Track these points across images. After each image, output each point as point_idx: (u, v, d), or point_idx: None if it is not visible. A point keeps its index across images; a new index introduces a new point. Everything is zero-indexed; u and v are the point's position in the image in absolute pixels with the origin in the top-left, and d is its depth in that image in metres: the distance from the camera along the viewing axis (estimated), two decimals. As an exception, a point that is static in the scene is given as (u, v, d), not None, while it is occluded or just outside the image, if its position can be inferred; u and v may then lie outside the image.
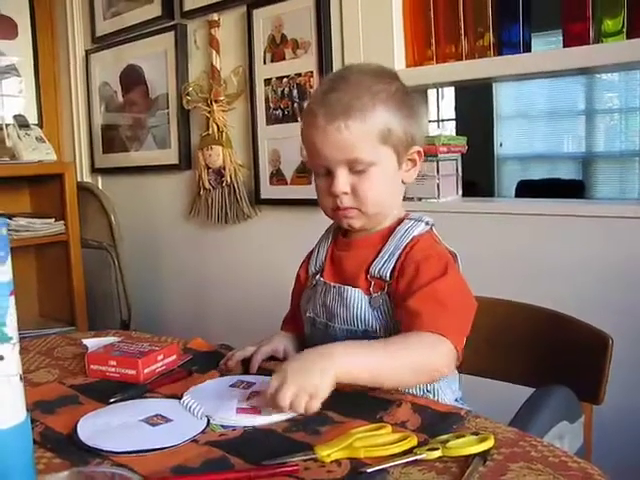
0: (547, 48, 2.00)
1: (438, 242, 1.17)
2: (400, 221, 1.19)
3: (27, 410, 0.71)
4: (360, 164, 1.10)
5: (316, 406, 0.90)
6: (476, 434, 0.84)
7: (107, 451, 0.85)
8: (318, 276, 1.24)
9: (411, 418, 0.92)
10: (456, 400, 1.20)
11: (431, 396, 1.15)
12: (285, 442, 0.87)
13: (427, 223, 1.18)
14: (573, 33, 1.66)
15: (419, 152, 1.19)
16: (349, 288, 1.16)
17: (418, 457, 0.79)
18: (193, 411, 0.96)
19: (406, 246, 1.14)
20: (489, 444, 0.80)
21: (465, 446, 0.80)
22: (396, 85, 1.16)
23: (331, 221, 1.28)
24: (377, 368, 0.98)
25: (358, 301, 1.15)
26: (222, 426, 0.92)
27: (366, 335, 1.12)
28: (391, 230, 1.17)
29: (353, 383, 0.97)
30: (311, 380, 0.90)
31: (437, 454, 0.80)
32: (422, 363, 1.01)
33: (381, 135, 1.11)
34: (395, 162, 1.15)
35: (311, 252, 1.31)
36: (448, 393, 1.18)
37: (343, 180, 1.12)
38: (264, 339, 1.28)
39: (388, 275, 1.13)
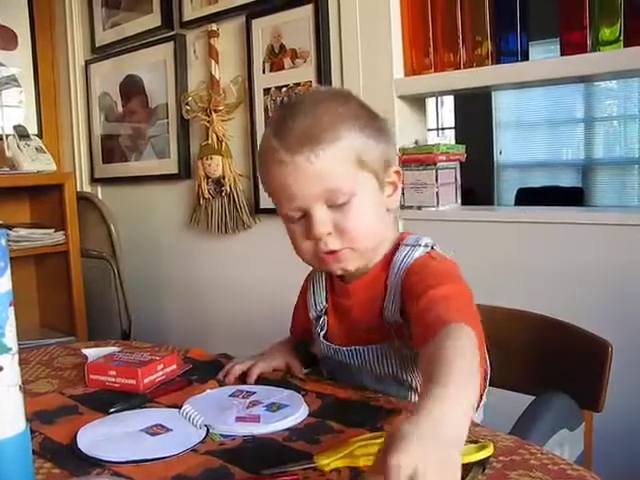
0: (545, 56, 2.00)
1: (434, 258, 1.05)
2: (397, 246, 1.09)
3: (26, 420, 0.71)
4: (341, 195, 0.97)
5: None
6: (475, 442, 0.83)
7: (107, 461, 0.85)
8: (323, 337, 1.14)
9: (411, 426, 0.91)
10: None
11: None
12: (285, 451, 0.87)
13: (426, 245, 1.07)
14: (570, 41, 1.67)
15: (397, 172, 1.07)
16: (363, 349, 1.07)
17: None
18: (193, 420, 0.96)
19: (404, 278, 1.03)
20: (488, 452, 0.80)
21: (464, 454, 0.80)
22: (354, 104, 1.04)
23: None
24: (471, 402, 0.75)
25: (380, 357, 1.07)
26: (222, 435, 0.92)
27: (396, 380, 1.09)
28: (387, 263, 1.07)
29: None
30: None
31: None
32: (474, 360, 0.81)
33: (356, 158, 0.99)
34: (377, 187, 1.03)
35: (305, 286, 1.24)
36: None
37: (322, 219, 0.98)
38: (265, 351, 1.27)
39: (399, 315, 1.04)
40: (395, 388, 1.10)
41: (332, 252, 1.01)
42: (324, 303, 1.17)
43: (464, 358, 0.79)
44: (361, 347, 1.08)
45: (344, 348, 1.11)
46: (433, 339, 0.84)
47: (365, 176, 1.00)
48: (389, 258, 1.07)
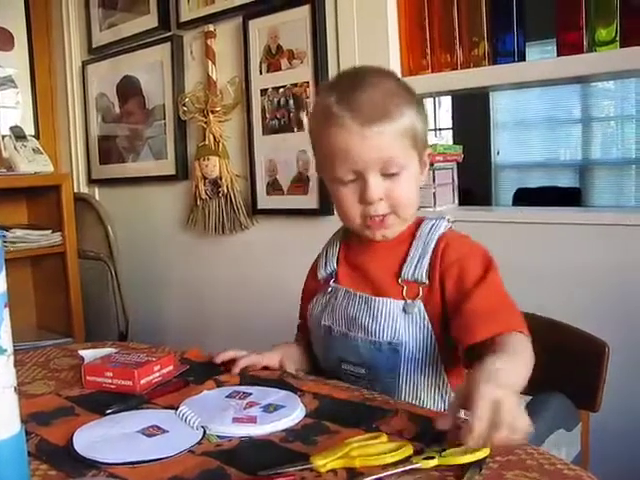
0: (542, 57, 2.00)
1: (466, 236, 1.17)
2: (418, 223, 1.17)
3: (22, 422, 0.71)
4: (395, 166, 1.07)
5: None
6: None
7: (103, 462, 0.84)
8: (332, 282, 1.21)
9: (407, 427, 0.91)
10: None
11: (444, 410, 1.13)
12: (282, 452, 0.87)
13: (448, 221, 1.17)
14: (567, 42, 1.67)
15: (429, 154, 1.19)
16: (379, 299, 1.13)
17: (414, 466, 0.79)
18: (189, 422, 0.96)
19: (436, 246, 1.12)
20: (485, 453, 0.80)
21: (461, 455, 0.80)
22: (407, 85, 1.15)
23: (331, 229, 1.28)
24: (521, 382, 0.92)
25: (389, 311, 1.12)
26: (218, 436, 0.92)
27: (390, 347, 1.11)
28: (411, 232, 1.16)
29: None
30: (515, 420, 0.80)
31: (433, 463, 0.79)
32: (532, 362, 0.98)
33: (412, 137, 1.09)
34: (418, 165, 1.14)
35: (316, 262, 1.29)
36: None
37: (377, 184, 1.07)
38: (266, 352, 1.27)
39: (424, 277, 1.11)
40: (385, 355, 1.12)
41: (381, 217, 1.10)
42: (335, 264, 1.23)
43: (524, 359, 0.96)
44: (370, 296, 1.14)
45: (359, 293, 1.15)
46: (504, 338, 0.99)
47: (413, 154, 1.11)
48: (413, 230, 1.16)
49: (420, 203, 1.22)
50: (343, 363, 1.18)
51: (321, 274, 1.25)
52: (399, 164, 1.08)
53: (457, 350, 1.11)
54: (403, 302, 1.12)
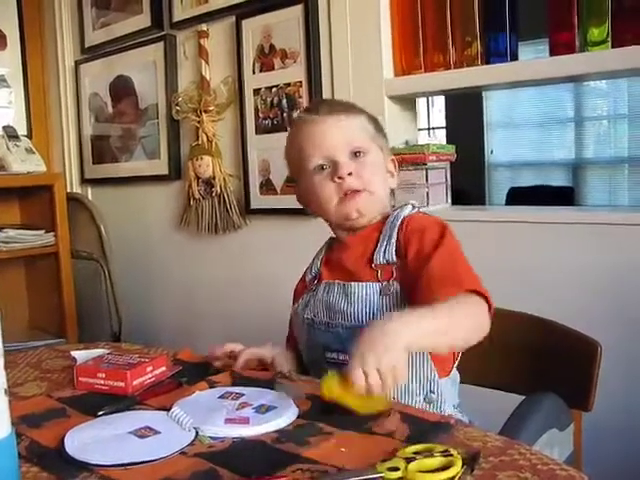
0: (534, 56, 2.01)
1: (429, 215, 1.26)
2: (387, 216, 1.25)
3: (12, 424, 0.70)
4: (360, 148, 1.20)
5: (403, 377, 0.95)
6: (448, 453, 0.79)
7: (95, 464, 0.84)
8: (316, 281, 1.27)
9: (399, 428, 0.91)
10: (454, 407, 1.21)
11: (434, 396, 1.17)
12: (274, 453, 0.86)
13: (413, 206, 1.27)
14: (559, 42, 1.68)
15: (393, 160, 1.32)
16: (354, 284, 1.19)
17: (377, 475, 0.76)
18: (182, 423, 0.95)
19: (400, 225, 1.20)
20: (452, 473, 0.76)
21: (426, 471, 0.77)
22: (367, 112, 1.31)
23: (324, 229, 1.30)
24: (436, 332, 1.03)
25: (365, 294, 1.17)
26: (211, 437, 0.92)
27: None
28: (381, 223, 1.24)
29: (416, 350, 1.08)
30: (387, 361, 0.93)
31: (396, 475, 0.76)
32: (473, 320, 1.07)
33: (369, 134, 1.25)
34: (382, 159, 1.27)
35: (306, 269, 1.35)
36: (449, 398, 1.20)
37: (346, 162, 1.19)
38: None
39: (394, 256, 1.18)
40: None
41: (353, 192, 1.19)
42: (319, 266, 1.30)
43: (460, 311, 1.05)
44: (345, 282, 1.21)
45: (337, 281, 1.23)
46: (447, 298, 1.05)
47: (375, 147, 1.25)
48: (383, 221, 1.24)
49: (413, 203, 1.24)
50: (326, 352, 1.21)
51: (308, 277, 1.32)
52: (363, 146, 1.21)
53: None
54: (379, 284, 1.17)
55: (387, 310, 1.15)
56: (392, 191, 1.32)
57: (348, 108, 1.27)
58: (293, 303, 1.35)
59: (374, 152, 1.24)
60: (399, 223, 1.21)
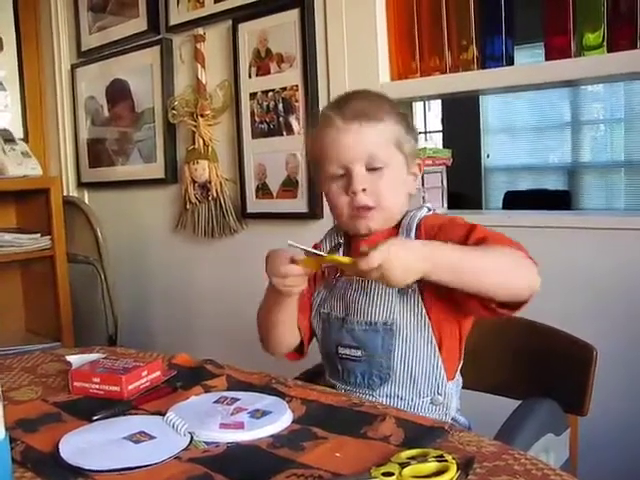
0: (530, 61, 2.01)
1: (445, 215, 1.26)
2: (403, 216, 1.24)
3: (6, 429, 0.70)
4: (378, 161, 1.16)
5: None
6: (442, 459, 0.79)
7: (89, 470, 0.84)
8: (336, 275, 1.26)
9: (394, 433, 0.91)
10: (457, 410, 1.22)
11: (441, 398, 1.18)
12: (269, 458, 0.86)
13: (429, 209, 1.24)
14: (555, 46, 1.68)
15: (419, 165, 1.27)
16: (374, 281, 1.17)
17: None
18: (176, 428, 0.95)
19: (418, 227, 1.19)
20: (446, 478, 0.76)
21: (420, 476, 0.76)
22: (397, 105, 1.28)
23: (320, 233, 1.31)
24: (463, 268, 1.03)
25: (385, 293, 1.17)
26: (205, 442, 0.92)
27: (385, 327, 1.16)
28: (397, 224, 1.22)
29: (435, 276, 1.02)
30: (409, 261, 0.98)
31: None
32: (516, 268, 1.07)
33: (394, 140, 1.19)
34: (404, 168, 1.22)
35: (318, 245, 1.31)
36: (455, 400, 1.21)
37: (361, 177, 1.16)
38: None
39: None
40: (380, 336, 1.17)
41: (362, 207, 1.17)
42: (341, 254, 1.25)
43: (501, 253, 1.06)
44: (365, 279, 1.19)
45: (357, 278, 1.21)
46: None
47: (398, 157, 1.20)
48: (398, 224, 1.22)
49: (408, 207, 1.24)
50: (340, 347, 1.22)
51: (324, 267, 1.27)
52: (382, 160, 1.17)
53: (451, 334, 1.18)
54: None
55: (404, 311, 1.16)
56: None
57: (376, 110, 1.19)
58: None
59: (394, 164, 1.19)
60: (415, 225, 1.20)
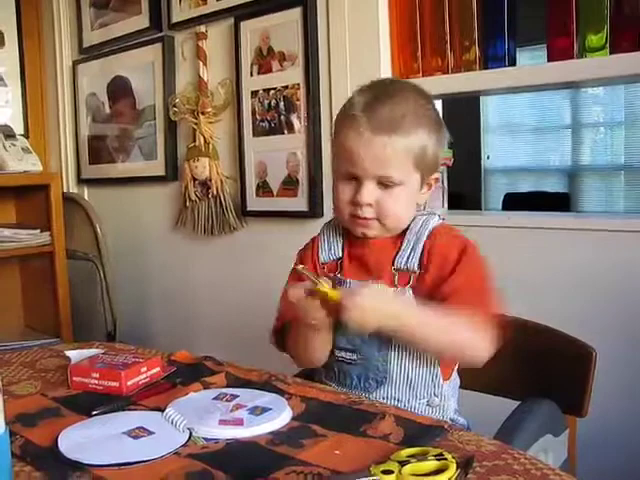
0: (532, 62, 2.01)
1: (457, 231, 1.22)
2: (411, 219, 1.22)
3: (6, 423, 0.70)
4: (391, 181, 1.13)
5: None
6: (442, 457, 0.79)
7: (88, 464, 0.84)
8: (338, 274, 1.23)
9: (394, 431, 0.91)
10: (455, 411, 1.22)
11: (437, 400, 1.18)
12: (268, 455, 0.86)
13: (439, 216, 1.23)
14: (557, 48, 1.68)
15: (437, 179, 1.24)
16: (371, 282, 1.16)
17: (371, 478, 0.76)
18: (175, 423, 0.95)
19: (429, 237, 1.18)
20: (446, 476, 0.76)
21: (420, 474, 0.76)
22: (434, 108, 1.20)
23: (317, 232, 1.30)
24: (427, 336, 1.08)
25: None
26: (204, 439, 0.92)
27: (379, 332, 1.13)
28: (405, 228, 1.20)
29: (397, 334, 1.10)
30: (382, 315, 1.04)
31: (391, 478, 0.76)
32: (465, 346, 1.10)
33: (417, 158, 1.14)
34: (418, 185, 1.19)
35: (311, 246, 1.29)
36: (452, 401, 1.21)
37: (369, 192, 1.14)
38: None
39: (416, 266, 1.16)
40: (376, 339, 1.16)
41: (364, 219, 1.16)
42: (340, 252, 1.25)
43: (457, 332, 1.08)
44: (370, 281, 1.17)
45: (355, 280, 1.20)
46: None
47: (414, 173, 1.16)
48: (406, 229, 1.21)
49: (439, 214, 1.24)
50: (336, 350, 1.21)
51: (324, 257, 1.26)
52: (395, 179, 1.13)
53: None
54: (394, 288, 1.16)
55: None
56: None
57: (410, 121, 1.12)
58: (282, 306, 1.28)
59: (410, 183, 1.16)
60: (427, 234, 1.18)
